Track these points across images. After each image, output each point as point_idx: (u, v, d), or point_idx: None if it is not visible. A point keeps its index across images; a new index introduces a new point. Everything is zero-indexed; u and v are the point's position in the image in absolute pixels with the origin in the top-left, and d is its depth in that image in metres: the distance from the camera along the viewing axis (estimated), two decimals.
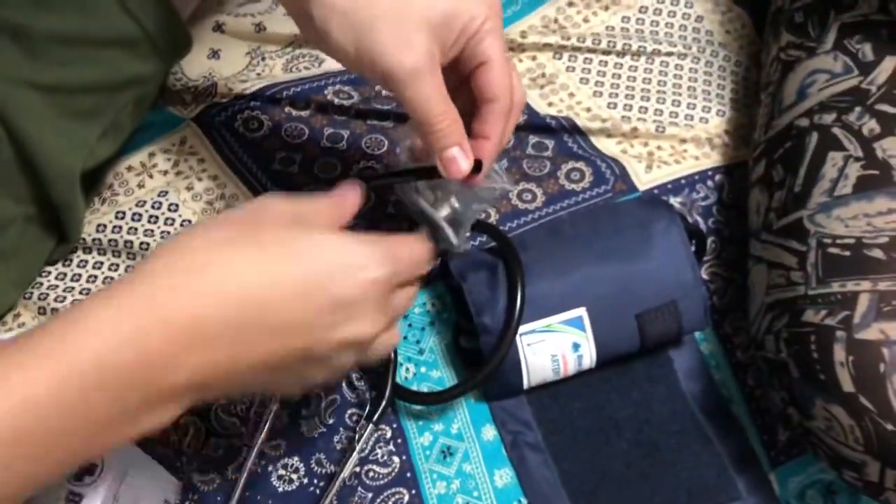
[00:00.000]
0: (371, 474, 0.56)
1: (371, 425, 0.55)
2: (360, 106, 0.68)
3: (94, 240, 0.63)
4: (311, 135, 0.67)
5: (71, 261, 0.63)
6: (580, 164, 0.67)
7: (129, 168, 0.66)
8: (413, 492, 0.56)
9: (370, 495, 0.55)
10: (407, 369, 0.60)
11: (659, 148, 0.69)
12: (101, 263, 0.63)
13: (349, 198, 0.46)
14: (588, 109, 0.70)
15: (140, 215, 0.64)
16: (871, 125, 0.56)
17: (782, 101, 0.63)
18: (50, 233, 0.61)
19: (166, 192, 0.65)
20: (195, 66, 0.70)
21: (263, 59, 0.71)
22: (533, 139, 0.68)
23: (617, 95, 0.71)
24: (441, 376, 0.59)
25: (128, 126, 0.63)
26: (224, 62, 0.71)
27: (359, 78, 0.70)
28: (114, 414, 0.35)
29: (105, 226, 0.63)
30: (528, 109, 0.70)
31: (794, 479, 0.59)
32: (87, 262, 0.63)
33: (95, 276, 0.62)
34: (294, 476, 0.56)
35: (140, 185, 0.65)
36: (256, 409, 0.58)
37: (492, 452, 0.57)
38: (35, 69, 0.56)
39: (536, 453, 0.57)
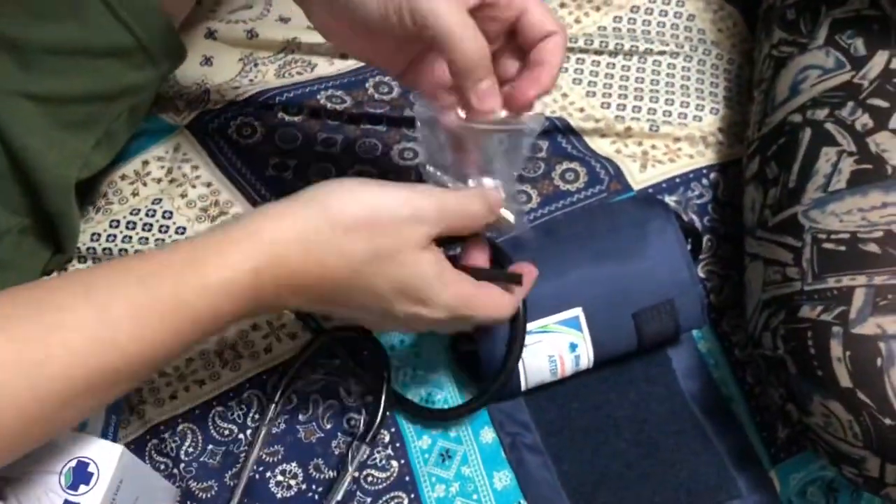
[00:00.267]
0: (370, 479, 0.56)
1: (365, 446, 0.55)
2: (352, 110, 0.68)
3: (88, 249, 0.63)
4: (304, 140, 0.67)
5: (66, 270, 0.63)
6: (574, 165, 0.67)
7: (123, 176, 0.66)
8: (412, 495, 0.55)
9: (369, 500, 0.55)
10: (405, 373, 0.60)
11: (653, 147, 0.69)
12: None
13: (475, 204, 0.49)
14: (581, 109, 0.70)
15: (134, 223, 0.64)
16: (863, 120, 0.56)
17: (775, 98, 0.63)
18: (45, 243, 0.61)
19: (160, 200, 0.65)
20: (188, 73, 0.70)
21: (256, 65, 0.71)
22: None
23: (610, 95, 0.71)
24: (437, 378, 0.59)
25: (122, 135, 0.63)
26: (217, 69, 0.71)
27: (351, 82, 0.70)
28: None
29: (99, 235, 0.63)
30: None
31: (795, 476, 0.59)
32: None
33: None
34: (292, 482, 0.56)
35: (134, 194, 0.65)
36: (254, 415, 0.58)
37: (490, 455, 0.57)
38: (28, 80, 0.56)
39: (535, 455, 0.57)
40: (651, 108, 0.71)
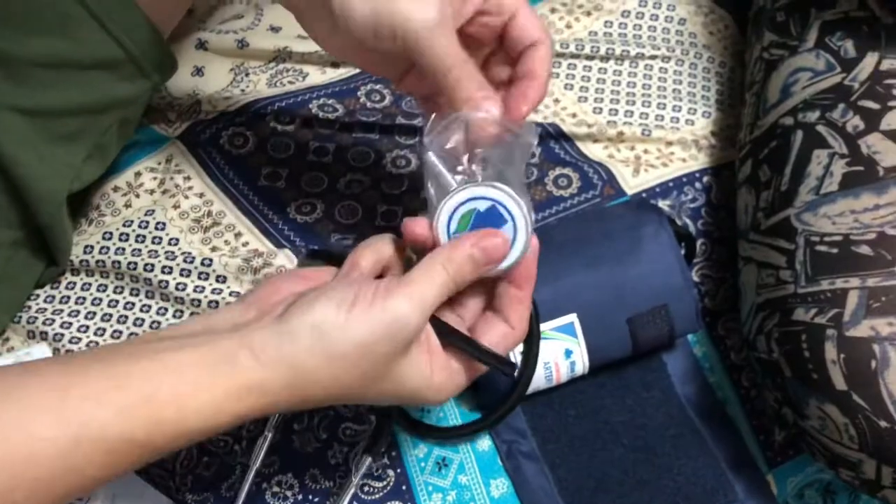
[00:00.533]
0: (366, 488, 0.56)
1: (369, 458, 0.54)
2: (345, 119, 0.68)
3: (81, 261, 0.63)
4: (296, 149, 0.67)
5: (59, 283, 0.63)
6: (567, 170, 0.67)
7: (116, 188, 0.66)
8: None
9: None
10: None
11: (646, 151, 0.69)
12: (90, 285, 0.62)
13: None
14: (573, 115, 0.70)
15: (127, 235, 0.63)
16: (854, 122, 0.56)
17: (767, 101, 0.63)
18: (38, 257, 0.61)
19: (153, 211, 0.64)
20: (179, 84, 0.70)
21: (247, 74, 0.71)
22: None
23: (602, 100, 0.71)
24: None
25: (113, 148, 0.63)
26: (208, 79, 0.70)
27: (343, 90, 0.70)
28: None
29: (92, 247, 0.63)
30: None
31: (792, 480, 0.59)
32: (75, 283, 0.63)
33: (84, 298, 0.62)
34: (289, 493, 0.56)
35: (127, 205, 0.65)
36: (248, 426, 0.57)
37: (487, 463, 0.57)
38: (18, 93, 0.56)
39: (532, 462, 0.57)
40: (643, 113, 0.71)
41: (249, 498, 0.55)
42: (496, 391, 0.56)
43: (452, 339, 0.46)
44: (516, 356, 0.55)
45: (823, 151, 0.56)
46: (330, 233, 0.64)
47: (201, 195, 0.65)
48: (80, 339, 0.60)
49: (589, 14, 0.75)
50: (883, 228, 0.51)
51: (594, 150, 0.69)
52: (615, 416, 0.58)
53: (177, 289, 0.61)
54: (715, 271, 0.65)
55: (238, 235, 0.64)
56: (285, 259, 0.62)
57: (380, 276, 0.48)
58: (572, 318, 0.56)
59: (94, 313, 0.61)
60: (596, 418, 0.58)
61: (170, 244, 0.63)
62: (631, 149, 0.69)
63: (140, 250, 0.63)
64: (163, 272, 0.61)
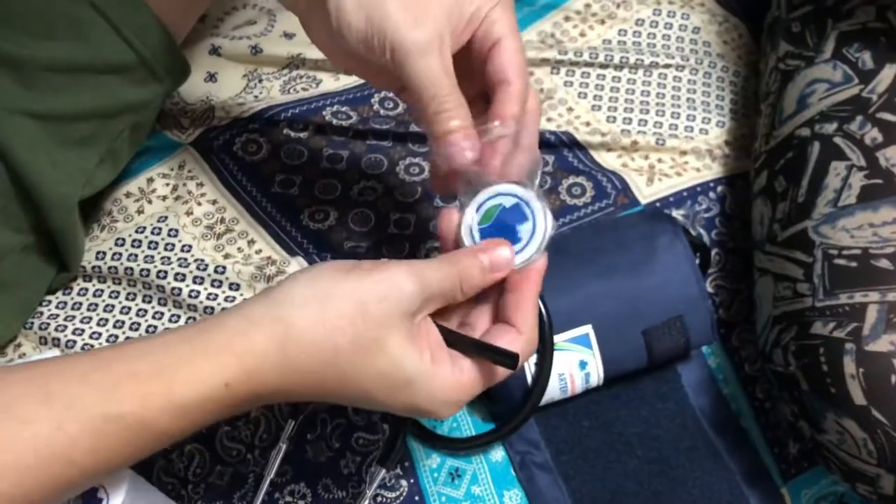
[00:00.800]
0: (379, 499, 0.55)
1: (383, 470, 0.54)
2: (358, 126, 0.68)
3: (94, 267, 0.62)
4: (310, 156, 0.67)
5: (71, 289, 0.63)
6: (581, 179, 0.67)
7: (128, 194, 0.66)
8: None
9: None
10: None
11: (659, 160, 0.69)
12: (102, 291, 0.62)
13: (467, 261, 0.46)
14: (587, 123, 0.70)
15: (140, 241, 0.63)
16: (873, 134, 0.56)
17: (783, 112, 0.62)
18: (50, 262, 0.61)
19: (166, 218, 0.64)
20: (192, 90, 0.69)
21: (260, 81, 0.71)
22: None
23: (616, 109, 0.71)
24: None
25: (125, 153, 0.63)
26: (221, 85, 0.70)
27: (357, 97, 0.70)
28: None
29: (105, 253, 0.63)
30: None
31: (807, 492, 0.58)
32: (87, 290, 0.62)
33: (96, 305, 0.62)
34: (301, 502, 0.55)
35: (139, 211, 0.65)
36: (261, 435, 0.57)
37: (501, 473, 0.57)
38: (31, 98, 0.56)
39: (546, 473, 0.57)
40: (657, 122, 0.70)
41: None
42: (510, 401, 0.56)
43: (452, 338, 0.45)
44: (531, 367, 0.55)
45: (841, 163, 0.56)
46: (343, 240, 0.64)
47: (214, 202, 0.65)
48: (91, 345, 0.60)
49: (603, 22, 0.75)
50: None
51: (608, 159, 0.69)
52: (629, 428, 0.58)
53: (189, 296, 0.60)
54: (729, 282, 0.64)
55: (251, 242, 0.63)
56: (298, 267, 0.62)
57: None
58: (587, 329, 0.55)
59: (107, 320, 0.61)
60: (610, 430, 0.58)
61: (182, 251, 0.63)
62: (645, 158, 0.69)
63: (153, 257, 0.62)
64: (175, 279, 0.61)
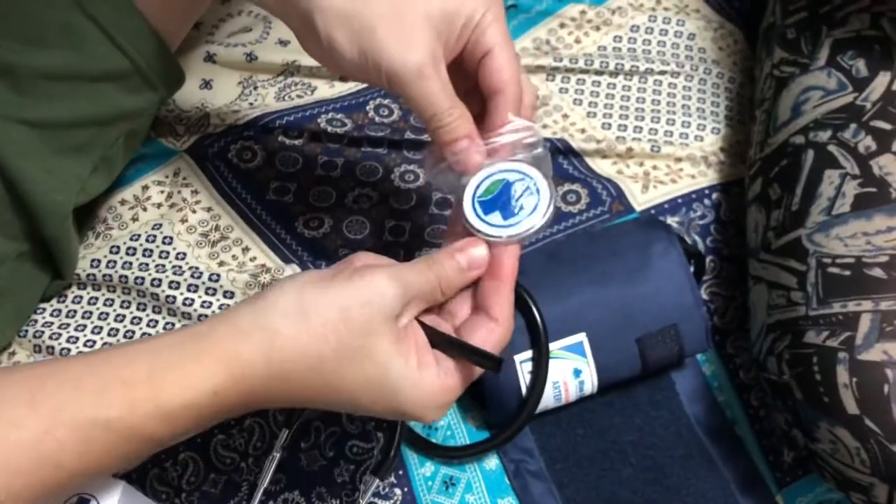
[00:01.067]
0: None
1: (377, 480, 0.54)
2: (353, 133, 0.68)
3: (88, 275, 0.62)
4: (305, 163, 0.67)
5: (66, 297, 0.63)
6: (576, 186, 0.67)
7: (123, 202, 0.66)
8: None
9: None
10: None
11: (655, 167, 0.69)
12: (97, 299, 0.62)
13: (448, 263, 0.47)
14: (582, 130, 0.70)
15: (134, 249, 0.63)
16: (866, 142, 0.56)
17: (777, 119, 0.62)
18: (44, 269, 0.61)
19: (160, 225, 0.64)
20: (187, 97, 0.69)
21: (255, 88, 0.71)
22: None
23: (611, 116, 0.71)
24: None
25: (120, 160, 0.63)
26: (216, 92, 0.70)
27: (352, 105, 0.70)
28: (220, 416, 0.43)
29: (99, 261, 0.63)
30: None
31: (802, 500, 0.58)
32: (81, 297, 0.62)
33: (91, 312, 0.62)
34: None
35: (134, 219, 0.65)
36: (255, 443, 0.57)
37: (495, 482, 0.57)
38: (24, 105, 0.56)
39: (540, 481, 0.57)
40: (652, 129, 0.71)
41: None
42: (505, 410, 0.56)
43: (437, 339, 0.46)
44: (525, 376, 0.55)
45: (835, 172, 0.56)
46: (338, 248, 0.64)
47: (209, 209, 0.65)
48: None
49: (598, 29, 0.75)
50: None
51: (603, 166, 0.69)
52: (624, 436, 0.58)
53: (184, 304, 0.60)
54: (724, 289, 0.64)
55: (246, 250, 0.63)
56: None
57: None
58: (582, 337, 0.55)
59: (101, 328, 0.61)
60: (604, 438, 0.58)
61: (177, 258, 0.63)
62: (640, 165, 0.69)
63: (147, 264, 0.62)
64: (170, 287, 0.61)
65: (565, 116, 0.71)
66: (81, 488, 0.44)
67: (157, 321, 0.61)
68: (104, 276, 0.62)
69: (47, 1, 0.54)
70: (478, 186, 0.48)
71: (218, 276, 0.61)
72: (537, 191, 0.48)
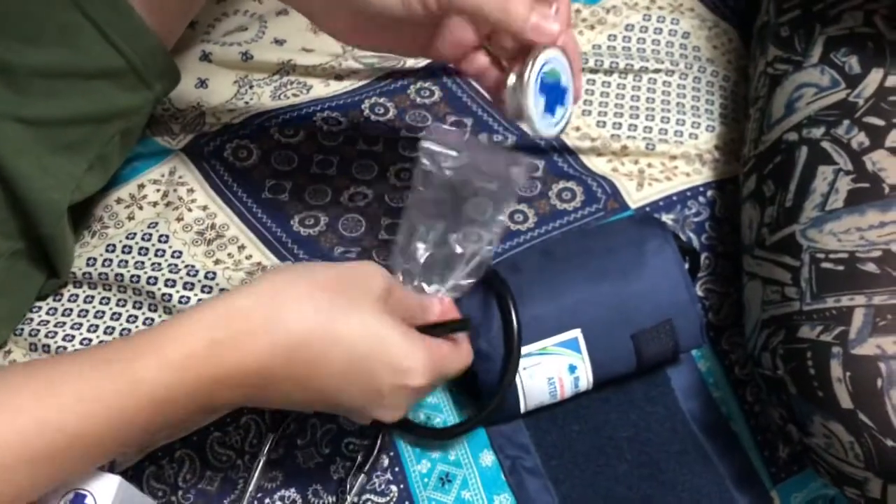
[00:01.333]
0: (369, 503, 0.55)
1: (363, 475, 0.54)
2: (349, 132, 0.68)
3: (84, 273, 0.63)
4: (300, 162, 0.67)
5: (62, 295, 0.63)
6: (571, 184, 0.67)
7: (119, 200, 0.66)
8: None
9: None
10: None
11: (649, 165, 0.69)
12: (92, 297, 0.62)
13: (435, 306, 0.52)
14: (577, 128, 0.70)
15: (130, 248, 0.63)
16: (859, 138, 0.56)
17: (771, 116, 0.63)
18: (39, 268, 0.61)
19: (156, 224, 0.64)
20: (183, 96, 0.70)
21: (251, 87, 0.71)
22: None
23: (606, 114, 0.71)
24: (436, 402, 0.59)
25: (115, 159, 0.63)
26: (212, 91, 0.70)
27: (347, 103, 0.70)
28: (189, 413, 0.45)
29: (95, 259, 0.63)
30: (517, 130, 0.70)
31: (797, 496, 0.58)
32: (77, 296, 0.63)
33: (86, 311, 0.62)
34: None
35: (130, 217, 0.65)
36: (251, 440, 0.57)
37: (491, 478, 0.57)
38: (19, 103, 0.56)
39: (536, 478, 0.57)
40: (647, 127, 0.71)
41: None
42: (489, 388, 0.55)
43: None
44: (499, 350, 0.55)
45: (828, 168, 0.56)
46: (333, 246, 0.64)
47: (205, 208, 0.65)
48: None
49: (593, 28, 0.75)
50: (889, 246, 0.51)
51: (598, 164, 0.69)
52: (619, 432, 0.58)
53: (180, 302, 0.60)
54: (719, 286, 0.65)
55: (241, 248, 0.63)
56: None
57: None
58: (576, 333, 0.55)
59: (97, 326, 0.61)
60: (600, 434, 0.58)
61: (173, 257, 0.63)
62: (635, 163, 0.69)
63: (143, 263, 0.62)
64: (166, 285, 0.61)
65: None
66: (79, 482, 0.44)
67: (152, 319, 0.61)
68: (100, 274, 0.62)
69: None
70: (545, 64, 0.49)
71: (214, 274, 0.62)
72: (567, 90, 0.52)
